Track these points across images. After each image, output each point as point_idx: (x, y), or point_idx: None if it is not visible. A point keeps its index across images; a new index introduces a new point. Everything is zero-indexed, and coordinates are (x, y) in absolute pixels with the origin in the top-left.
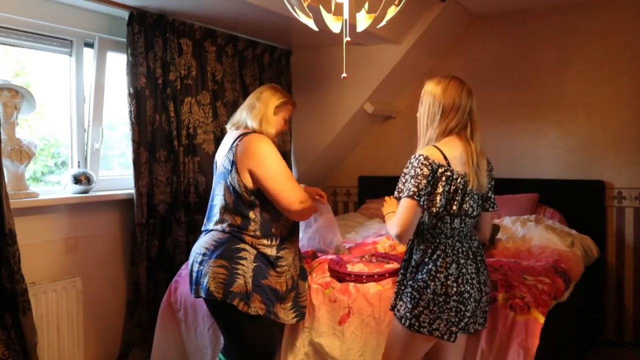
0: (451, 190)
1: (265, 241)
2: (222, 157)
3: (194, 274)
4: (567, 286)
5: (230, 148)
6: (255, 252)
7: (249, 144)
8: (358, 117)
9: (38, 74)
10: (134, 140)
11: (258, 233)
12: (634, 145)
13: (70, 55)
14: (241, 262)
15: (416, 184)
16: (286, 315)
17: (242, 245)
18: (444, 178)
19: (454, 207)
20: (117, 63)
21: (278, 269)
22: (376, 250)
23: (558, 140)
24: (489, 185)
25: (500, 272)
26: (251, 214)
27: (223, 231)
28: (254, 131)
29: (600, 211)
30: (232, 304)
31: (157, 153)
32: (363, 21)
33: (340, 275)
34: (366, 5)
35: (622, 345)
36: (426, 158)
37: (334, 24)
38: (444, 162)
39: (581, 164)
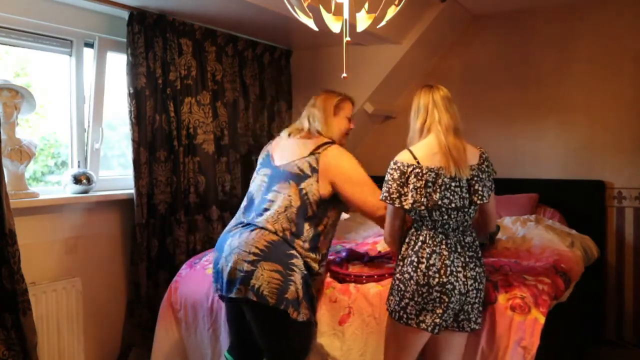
0: (422, 185)
1: (312, 254)
2: (296, 158)
3: (241, 273)
4: (567, 286)
5: (313, 154)
6: (302, 261)
7: (335, 158)
8: (358, 117)
9: (38, 74)
10: (134, 140)
11: (307, 245)
12: (634, 145)
13: (70, 55)
14: (294, 268)
15: (387, 188)
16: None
17: (293, 252)
18: (412, 175)
19: (423, 199)
20: (117, 63)
21: (314, 282)
22: (376, 251)
23: (558, 140)
24: (475, 175)
25: (500, 272)
26: (306, 225)
27: (275, 233)
28: (333, 141)
29: (600, 211)
30: (286, 310)
31: (157, 153)
32: (363, 21)
33: (340, 275)
34: (366, 5)
35: (622, 345)
36: (395, 162)
37: (334, 24)
38: (413, 162)
39: (581, 164)
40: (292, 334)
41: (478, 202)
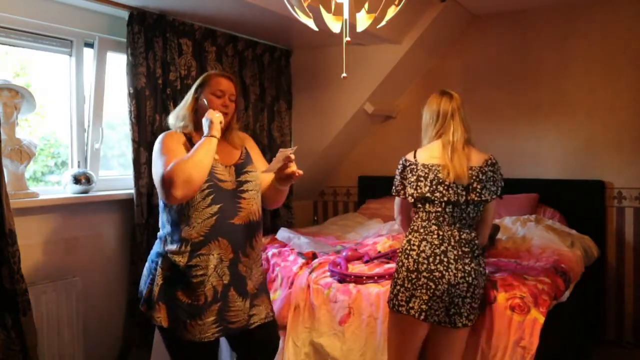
0: (415, 179)
1: (173, 247)
2: None
3: None
4: (567, 286)
5: None
6: (167, 259)
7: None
8: (358, 117)
9: (38, 74)
10: (134, 140)
11: (169, 237)
12: (634, 145)
13: (70, 55)
14: (156, 267)
15: (395, 182)
16: (202, 330)
17: (159, 250)
18: (408, 170)
19: (412, 191)
20: (117, 63)
21: (192, 279)
22: (376, 251)
23: (558, 140)
24: (474, 175)
25: (500, 272)
26: (165, 216)
27: (160, 232)
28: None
29: (600, 211)
30: (140, 307)
31: None
32: (363, 21)
33: (340, 276)
34: (366, 5)
35: (622, 345)
36: (401, 159)
37: (334, 24)
38: (412, 159)
39: (581, 164)
40: (158, 337)
41: (476, 199)
